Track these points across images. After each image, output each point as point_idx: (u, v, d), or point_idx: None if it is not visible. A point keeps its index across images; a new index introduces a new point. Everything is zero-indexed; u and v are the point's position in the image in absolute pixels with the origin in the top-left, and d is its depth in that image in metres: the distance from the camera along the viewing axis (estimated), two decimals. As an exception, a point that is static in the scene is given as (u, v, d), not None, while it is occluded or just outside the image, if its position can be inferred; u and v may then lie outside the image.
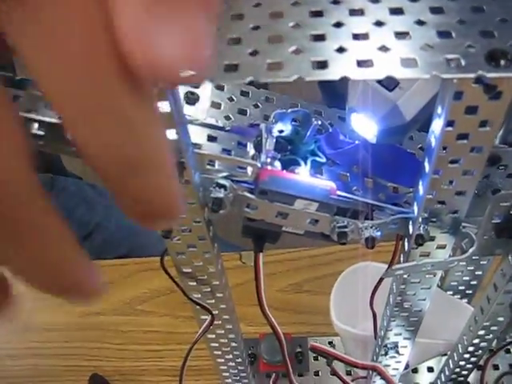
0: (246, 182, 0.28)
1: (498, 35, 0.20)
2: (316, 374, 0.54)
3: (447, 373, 0.46)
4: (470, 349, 0.40)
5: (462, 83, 0.21)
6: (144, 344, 0.59)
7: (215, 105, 0.33)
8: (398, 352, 0.42)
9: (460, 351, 0.42)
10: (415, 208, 0.28)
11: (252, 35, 0.20)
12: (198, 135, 0.29)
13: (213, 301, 0.36)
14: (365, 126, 0.30)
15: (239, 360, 0.44)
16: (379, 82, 0.29)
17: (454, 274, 0.45)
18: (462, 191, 0.27)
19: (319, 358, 0.51)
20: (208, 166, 0.28)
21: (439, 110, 0.23)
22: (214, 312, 0.37)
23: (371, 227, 0.28)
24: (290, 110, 0.32)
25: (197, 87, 0.33)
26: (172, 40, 0.13)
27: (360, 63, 0.19)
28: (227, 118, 0.33)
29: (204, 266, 0.33)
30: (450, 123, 0.23)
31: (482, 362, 0.45)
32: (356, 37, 0.20)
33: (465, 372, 0.46)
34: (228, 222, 0.34)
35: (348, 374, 0.52)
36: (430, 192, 0.27)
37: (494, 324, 0.36)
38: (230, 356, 0.44)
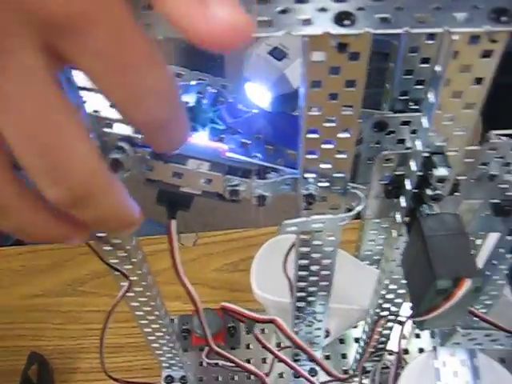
0: (145, 145, 0.30)
1: None
2: (247, 347, 0.56)
3: (367, 340, 0.49)
4: (378, 311, 0.43)
5: (320, 42, 0.24)
6: (84, 323, 0.60)
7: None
8: (315, 318, 0.45)
9: (372, 316, 0.44)
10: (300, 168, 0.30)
11: None
12: (100, 102, 0.31)
13: (130, 266, 0.38)
14: (259, 94, 0.32)
15: (165, 330, 0.46)
16: (270, 52, 0.32)
17: (367, 244, 0.48)
18: (342, 150, 0.29)
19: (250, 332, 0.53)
20: (106, 129, 0.30)
21: (304, 71, 0.25)
22: (132, 278, 0.39)
23: (262, 186, 0.31)
24: (194, 83, 0.34)
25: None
26: (221, 13, 0.18)
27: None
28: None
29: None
30: (316, 84, 0.26)
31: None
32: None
33: (383, 339, 0.49)
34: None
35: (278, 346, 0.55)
36: (310, 151, 0.29)
37: (393, 282, 0.39)
38: (157, 326, 0.45)
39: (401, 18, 0.23)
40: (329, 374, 0.40)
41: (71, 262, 0.65)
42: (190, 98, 0.34)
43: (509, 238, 0.36)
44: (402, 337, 0.47)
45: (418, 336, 0.55)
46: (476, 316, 0.36)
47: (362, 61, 0.25)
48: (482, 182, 0.35)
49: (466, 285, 0.27)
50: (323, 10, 0.23)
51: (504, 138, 0.36)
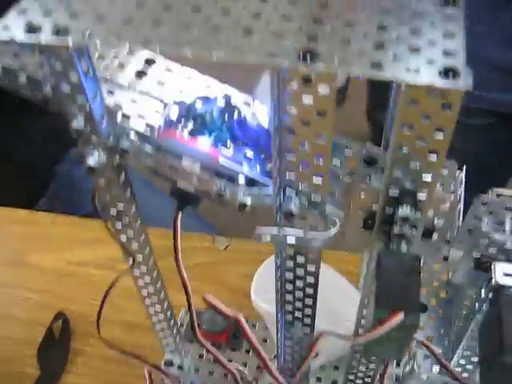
0: (151, 140, 0.35)
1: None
2: (247, 351, 0.59)
3: (352, 370, 0.50)
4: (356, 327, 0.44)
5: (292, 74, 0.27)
6: (111, 297, 0.66)
7: (160, 83, 0.40)
8: (302, 337, 0.47)
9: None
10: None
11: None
12: (124, 98, 0.36)
13: (136, 247, 0.43)
14: (263, 114, 0.36)
15: (168, 313, 0.50)
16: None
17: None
18: (319, 174, 0.32)
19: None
20: (122, 121, 0.34)
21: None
22: (136, 259, 0.44)
23: (245, 194, 0.34)
24: (213, 96, 0.38)
25: (148, 63, 0.40)
26: None
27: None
28: (165, 93, 0.39)
29: (124, 208, 0.39)
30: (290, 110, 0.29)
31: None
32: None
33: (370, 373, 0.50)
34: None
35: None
36: (288, 169, 0.32)
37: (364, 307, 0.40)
38: (158, 309, 0.50)
39: (358, 61, 0.25)
40: (274, 378, 0.43)
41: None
42: (206, 108, 0.38)
43: (483, 293, 0.37)
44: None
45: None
46: (437, 359, 0.37)
47: (330, 94, 0.28)
48: (470, 233, 0.37)
49: (398, 318, 0.29)
50: (292, 45, 0.26)
51: (503, 196, 0.37)
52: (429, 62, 0.25)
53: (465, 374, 0.42)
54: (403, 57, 0.26)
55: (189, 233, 0.70)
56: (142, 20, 0.29)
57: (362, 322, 0.40)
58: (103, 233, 0.72)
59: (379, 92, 0.28)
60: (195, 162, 0.34)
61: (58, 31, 0.28)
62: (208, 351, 0.47)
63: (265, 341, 0.58)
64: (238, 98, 0.40)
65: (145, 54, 0.40)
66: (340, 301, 0.48)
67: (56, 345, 0.60)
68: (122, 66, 0.39)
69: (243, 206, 0.34)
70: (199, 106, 0.38)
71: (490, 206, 0.36)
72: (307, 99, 0.28)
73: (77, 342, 0.62)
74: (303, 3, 0.28)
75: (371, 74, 0.25)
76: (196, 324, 0.45)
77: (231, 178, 0.34)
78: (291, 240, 0.36)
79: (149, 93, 0.38)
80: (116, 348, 0.48)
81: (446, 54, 0.26)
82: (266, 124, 0.37)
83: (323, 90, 0.27)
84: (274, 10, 0.28)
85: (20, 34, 0.28)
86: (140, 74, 0.40)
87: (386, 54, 0.26)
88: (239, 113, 0.38)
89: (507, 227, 0.36)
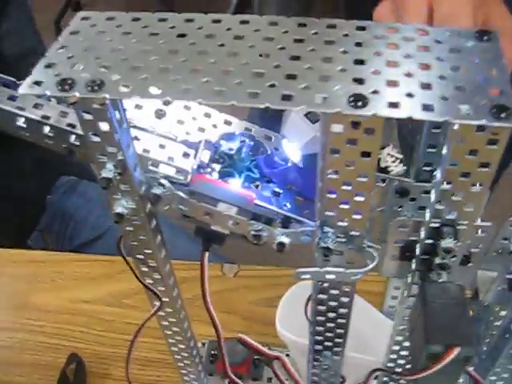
0: (184, 184, 0.34)
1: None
2: (269, 380, 0.58)
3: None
4: (391, 365, 0.44)
5: (337, 118, 0.27)
6: (122, 334, 0.65)
7: (180, 121, 0.39)
8: (331, 363, 0.46)
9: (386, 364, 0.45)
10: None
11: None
12: (151, 143, 0.35)
13: (163, 288, 0.42)
14: (292, 150, 0.36)
15: (189, 351, 0.49)
16: (306, 115, 0.35)
17: (391, 300, 0.50)
18: (358, 211, 0.32)
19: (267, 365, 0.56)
20: (151, 167, 0.34)
21: (323, 141, 0.28)
22: (163, 299, 0.43)
23: (283, 234, 0.34)
24: (238, 132, 0.38)
25: (166, 105, 0.39)
26: None
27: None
28: (187, 133, 0.39)
29: (153, 254, 0.38)
30: (335, 150, 0.29)
31: None
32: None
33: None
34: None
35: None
36: (327, 209, 0.32)
37: (406, 340, 0.40)
38: (183, 346, 0.49)
39: (408, 104, 0.25)
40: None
41: (122, 275, 0.70)
42: (232, 145, 0.38)
43: (521, 314, 0.37)
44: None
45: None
46: (475, 380, 0.37)
47: (377, 136, 0.27)
48: (500, 255, 0.37)
49: (454, 352, 0.29)
50: (341, 90, 0.26)
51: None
52: (477, 101, 0.25)
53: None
54: (452, 98, 0.26)
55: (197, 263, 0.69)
56: (177, 69, 0.28)
57: (402, 353, 0.40)
58: (105, 269, 0.72)
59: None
60: (232, 207, 0.33)
61: (94, 85, 0.27)
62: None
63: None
64: (258, 132, 0.39)
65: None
66: (365, 326, 0.48)
67: (71, 388, 0.59)
68: (139, 106, 0.39)
69: (282, 245, 0.34)
70: (224, 144, 0.37)
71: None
72: (354, 142, 0.27)
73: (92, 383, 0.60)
74: (345, 45, 0.28)
75: (422, 116, 0.25)
76: (226, 358, 0.44)
77: (268, 220, 0.34)
78: (331, 276, 0.35)
79: (170, 133, 0.38)
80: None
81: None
82: (294, 160, 0.36)
83: (371, 131, 0.27)
84: (316, 57, 0.28)
85: (53, 89, 0.28)
86: (159, 115, 0.39)
87: (434, 96, 0.26)
88: (264, 148, 0.38)
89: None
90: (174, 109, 0.39)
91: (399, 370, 0.45)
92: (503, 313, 0.41)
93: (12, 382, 0.62)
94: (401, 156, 0.40)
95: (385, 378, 0.43)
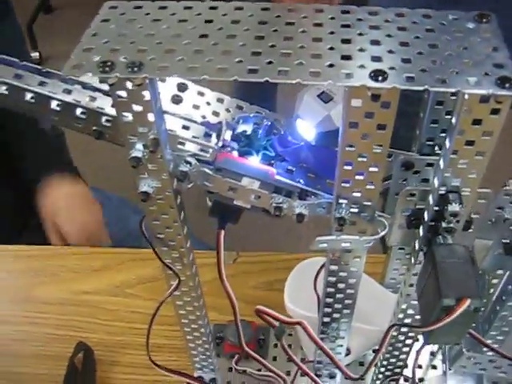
0: (208, 162, 0.36)
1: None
2: (274, 359, 0.61)
3: (384, 362, 0.53)
4: (396, 334, 0.47)
5: (358, 92, 0.30)
6: (128, 322, 0.66)
7: (195, 106, 0.42)
8: (338, 335, 0.49)
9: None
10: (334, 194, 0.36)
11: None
12: (175, 124, 0.38)
13: (181, 267, 0.44)
14: (306, 129, 0.38)
15: (202, 331, 0.51)
16: (319, 96, 0.38)
17: (392, 272, 0.53)
18: (371, 182, 0.35)
19: (278, 345, 0.58)
20: (179, 146, 0.36)
21: (343, 115, 0.31)
22: (181, 278, 0.45)
23: (301, 206, 0.36)
24: (252, 115, 0.40)
25: (182, 91, 0.42)
26: None
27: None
28: (203, 116, 0.41)
29: (174, 232, 0.40)
30: (353, 124, 0.31)
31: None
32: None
33: (400, 363, 0.53)
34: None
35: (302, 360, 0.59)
36: (345, 180, 0.35)
37: (410, 307, 0.43)
38: (196, 326, 0.51)
39: (423, 78, 0.28)
40: (347, 376, 0.45)
41: (122, 266, 0.72)
42: (247, 128, 0.40)
43: (516, 275, 0.41)
44: (418, 366, 0.51)
45: (434, 367, 0.58)
46: (478, 340, 0.40)
47: (392, 109, 0.30)
48: (496, 223, 0.40)
49: (466, 304, 0.32)
50: (362, 66, 0.29)
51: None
52: (484, 73, 0.29)
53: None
54: (461, 72, 0.29)
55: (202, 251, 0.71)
56: (211, 51, 0.31)
57: (409, 311, 0.43)
58: (105, 261, 0.73)
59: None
60: (255, 181, 0.36)
61: (134, 66, 0.30)
62: (252, 358, 0.49)
63: (289, 346, 0.61)
64: (269, 115, 0.42)
65: (175, 79, 0.42)
66: (367, 299, 0.51)
67: (81, 377, 0.60)
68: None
69: (302, 216, 0.36)
70: (240, 126, 0.40)
71: (512, 197, 0.40)
72: (371, 115, 0.30)
73: (100, 371, 0.62)
74: (359, 28, 0.31)
75: (437, 87, 0.28)
76: (243, 338, 0.46)
77: (288, 193, 0.36)
78: (346, 244, 0.38)
79: (189, 116, 0.40)
80: (164, 369, 0.49)
81: (498, 66, 0.29)
82: (307, 138, 0.39)
83: (387, 105, 0.30)
84: (336, 38, 0.31)
85: (95, 71, 0.30)
86: (176, 100, 0.41)
87: (446, 70, 0.29)
88: (277, 130, 0.40)
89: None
90: (188, 95, 0.42)
91: (402, 338, 0.48)
92: (495, 281, 0.44)
93: (21, 374, 0.63)
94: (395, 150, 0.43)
95: (393, 333, 0.46)
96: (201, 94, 0.42)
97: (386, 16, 0.32)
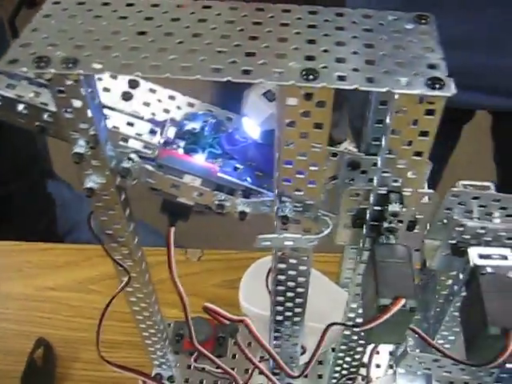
0: (151, 159, 0.36)
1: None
2: (233, 356, 0.61)
3: (339, 361, 0.53)
4: (348, 333, 0.47)
5: (291, 91, 0.30)
6: (89, 318, 0.66)
7: (146, 103, 0.42)
8: (291, 333, 0.49)
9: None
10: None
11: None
12: (120, 120, 0.38)
13: (131, 263, 0.44)
14: (252, 128, 0.39)
15: (157, 327, 0.51)
16: (264, 94, 0.38)
17: (346, 271, 0.53)
18: (312, 180, 0.35)
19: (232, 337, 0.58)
20: (121, 143, 0.36)
21: (279, 114, 0.31)
22: (132, 274, 0.45)
23: (244, 204, 0.36)
24: (200, 112, 0.40)
25: (133, 87, 0.41)
26: None
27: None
28: (153, 114, 0.41)
29: (122, 228, 0.40)
30: (290, 123, 0.32)
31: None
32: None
33: (355, 363, 0.53)
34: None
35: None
36: (284, 179, 0.35)
37: (360, 306, 0.43)
38: (151, 323, 0.51)
39: (354, 77, 0.28)
40: (287, 374, 0.45)
41: (85, 262, 0.72)
42: (195, 125, 0.40)
43: (461, 276, 0.41)
44: (377, 365, 0.52)
45: (391, 366, 0.59)
46: (423, 339, 0.41)
47: (327, 108, 0.30)
48: (444, 224, 0.40)
49: (401, 303, 0.32)
50: (296, 65, 0.29)
51: (469, 187, 0.41)
52: (415, 74, 0.29)
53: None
54: (393, 72, 0.29)
55: (154, 248, 0.71)
56: (146, 48, 0.31)
57: (359, 311, 0.43)
58: (70, 257, 0.73)
59: (359, 105, 0.31)
60: (197, 178, 0.36)
61: (68, 62, 0.30)
62: (207, 359, 0.49)
63: (249, 344, 0.61)
64: (220, 113, 0.42)
65: (127, 76, 0.42)
66: (321, 297, 0.51)
67: (40, 373, 0.60)
68: (107, 89, 0.41)
69: (244, 214, 0.36)
70: (188, 123, 0.40)
71: (460, 197, 0.40)
72: (307, 114, 0.30)
73: (61, 367, 0.62)
74: (298, 27, 0.31)
75: (367, 87, 0.28)
76: (194, 335, 0.46)
77: (230, 190, 0.36)
78: (289, 243, 0.38)
79: (137, 113, 0.40)
80: (116, 366, 0.48)
81: (430, 67, 0.29)
82: (254, 136, 0.39)
83: (322, 104, 0.30)
84: (274, 38, 0.31)
85: (30, 66, 0.30)
86: (126, 97, 0.41)
87: (378, 70, 0.29)
88: (225, 128, 0.41)
89: (476, 214, 0.40)
90: (140, 91, 0.42)
91: (355, 337, 0.48)
92: (449, 281, 0.44)
93: (-21, 369, 0.63)
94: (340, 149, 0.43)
95: (346, 332, 0.46)
96: (152, 91, 0.42)
97: (325, 16, 0.32)
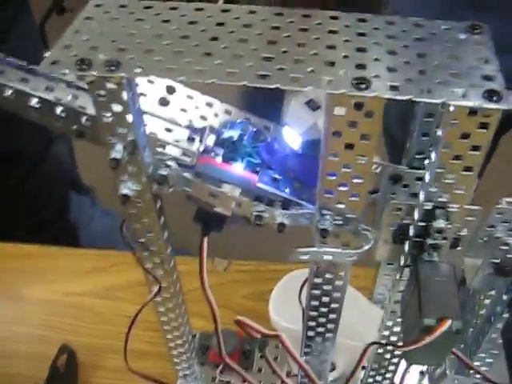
0: (189, 166, 0.35)
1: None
2: (259, 370, 0.60)
3: (370, 380, 0.52)
4: (381, 352, 0.46)
5: (340, 99, 0.29)
6: (114, 326, 0.65)
7: (183, 109, 0.41)
8: (322, 349, 0.48)
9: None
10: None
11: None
12: (157, 126, 0.37)
13: (162, 273, 0.43)
14: (293, 137, 0.38)
15: (185, 338, 0.50)
16: (306, 103, 0.37)
17: (380, 287, 0.51)
18: (355, 193, 0.34)
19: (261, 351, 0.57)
20: (159, 149, 0.35)
21: (325, 124, 0.30)
22: (162, 284, 0.44)
23: (283, 215, 0.35)
24: (238, 121, 0.40)
25: (170, 93, 0.41)
26: None
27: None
28: (190, 120, 0.40)
29: (155, 236, 0.40)
30: (336, 133, 0.30)
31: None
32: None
33: (386, 381, 0.51)
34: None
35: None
36: (327, 191, 0.33)
37: (396, 324, 0.42)
38: (178, 333, 0.50)
39: (408, 88, 0.27)
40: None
41: (113, 268, 0.71)
42: (234, 133, 0.39)
43: (505, 297, 0.39)
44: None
45: (422, 387, 0.57)
46: (464, 363, 0.39)
47: (376, 119, 0.29)
48: (486, 242, 0.39)
49: (447, 325, 0.31)
50: (346, 74, 0.28)
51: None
52: (471, 85, 0.28)
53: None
54: (448, 83, 0.28)
55: (183, 257, 0.70)
56: (189, 52, 0.30)
57: (395, 329, 0.42)
58: (97, 262, 0.73)
59: (396, 109, 0.30)
60: (236, 188, 0.35)
61: (111, 65, 0.29)
62: (233, 370, 0.48)
63: (275, 359, 0.59)
64: (258, 122, 0.41)
65: (164, 81, 0.41)
66: (353, 313, 0.49)
67: (62, 379, 0.59)
68: (143, 94, 0.40)
69: (283, 226, 0.35)
70: (226, 131, 0.39)
71: (505, 215, 0.38)
72: (354, 124, 0.29)
73: (83, 375, 0.61)
74: (347, 34, 0.30)
75: (421, 97, 0.27)
76: (223, 347, 0.45)
77: (269, 201, 0.35)
78: (328, 257, 0.37)
79: (174, 119, 0.39)
80: (142, 376, 0.47)
81: (486, 78, 0.28)
82: (294, 146, 0.38)
83: (371, 114, 0.29)
84: (322, 45, 0.30)
85: (72, 68, 0.29)
86: (163, 103, 0.40)
87: (431, 81, 0.28)
88: (264, 136, 0.39)
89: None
90: (177, 97, 0.41)
91: (388, 356, 0.47)
92: (487, 301, 0.43)
93: (2, 374, 0.62)
94: (383, 162, 0.41)
95: (380, 351, 0.45)
96: (190, 97, 0.41)
97: (375, 23, 0.31)
